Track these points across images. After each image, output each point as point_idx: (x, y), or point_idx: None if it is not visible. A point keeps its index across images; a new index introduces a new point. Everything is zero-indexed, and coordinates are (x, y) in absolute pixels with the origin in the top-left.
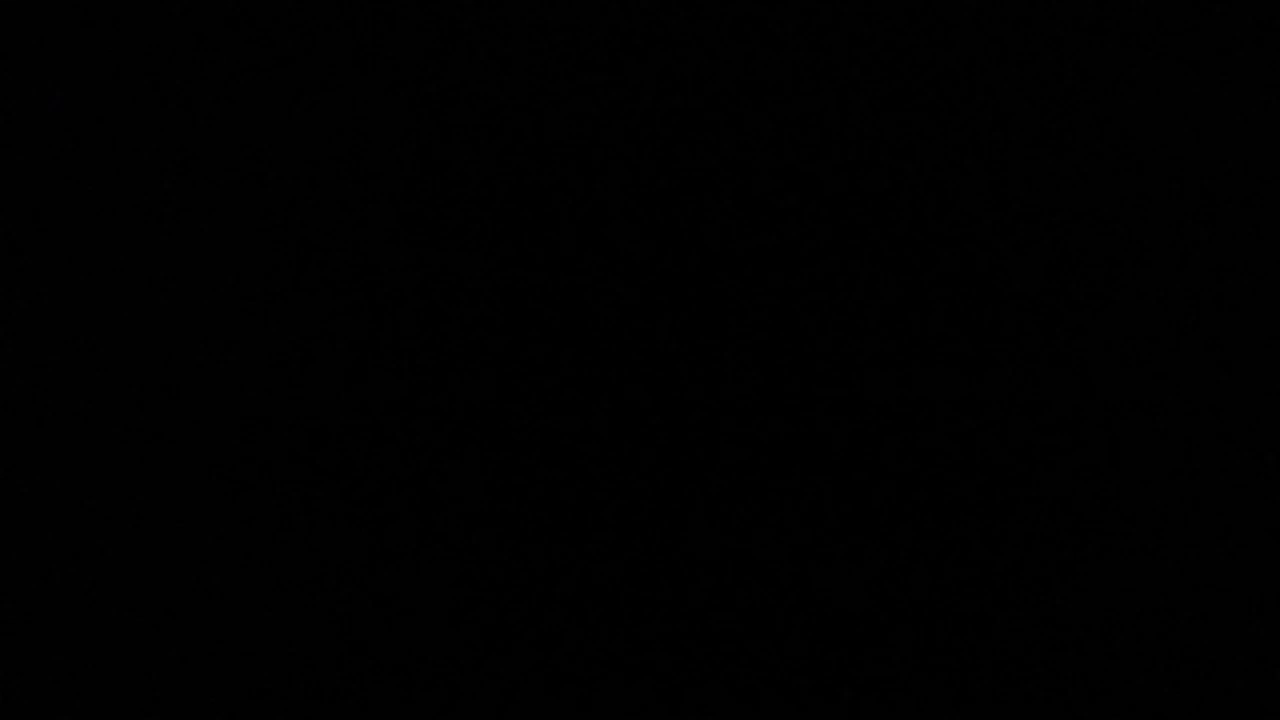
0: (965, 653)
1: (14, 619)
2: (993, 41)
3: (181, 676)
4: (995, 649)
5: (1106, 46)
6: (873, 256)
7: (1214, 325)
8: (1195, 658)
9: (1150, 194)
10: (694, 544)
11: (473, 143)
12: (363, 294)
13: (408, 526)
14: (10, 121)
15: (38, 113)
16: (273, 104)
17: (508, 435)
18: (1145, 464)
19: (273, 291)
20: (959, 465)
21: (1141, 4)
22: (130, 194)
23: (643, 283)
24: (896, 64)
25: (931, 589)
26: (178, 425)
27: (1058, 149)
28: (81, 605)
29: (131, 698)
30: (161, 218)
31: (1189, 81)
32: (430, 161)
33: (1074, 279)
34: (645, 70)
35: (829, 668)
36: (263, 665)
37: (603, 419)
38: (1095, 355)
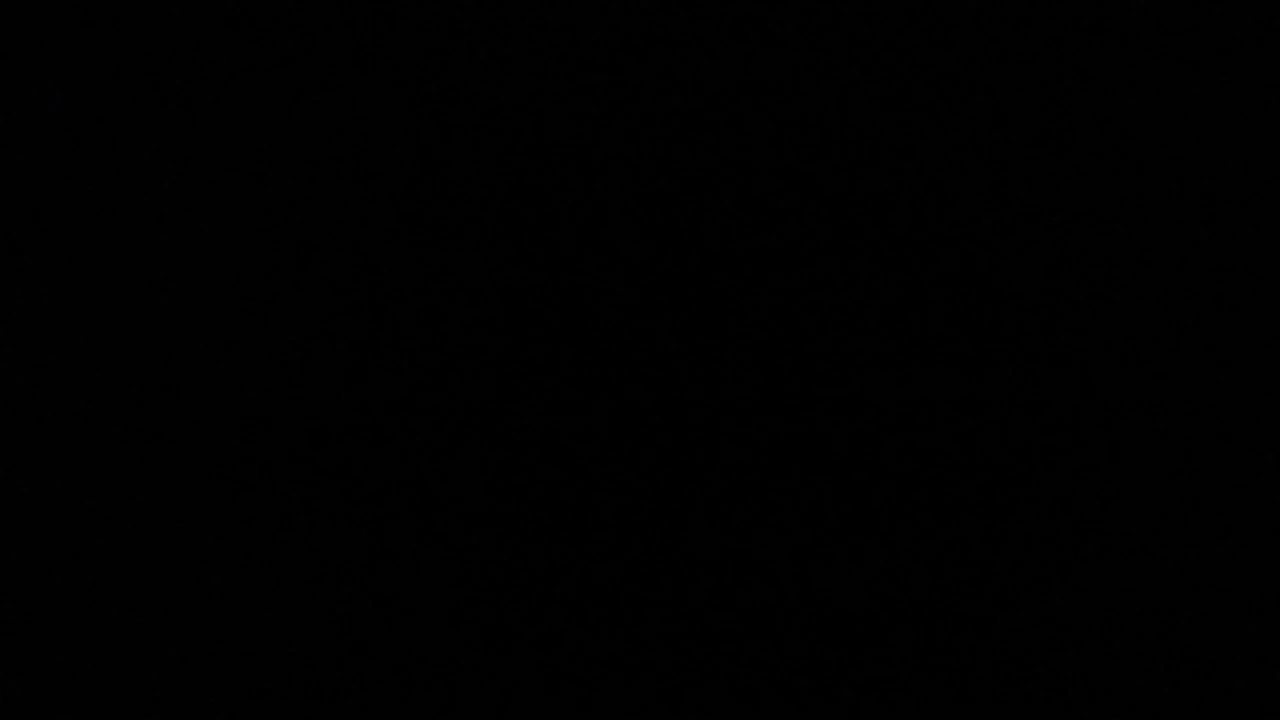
0: (965, 653)
1: (14, 619)
2: (993, 41)
3: (181, 676)
4: (995, 649)
5: (1106, 46)
6: (873, 256)
7: (1214, 325)
8: (1195, 658)
9: (1150, 194)
10: (694, 544)
11: (473, 143)
12: (363, 294)
13: (408, 526)
14: (10, 121)
15: (38, 113)
16: (273, 104)
17: (508, 435)
18: (1145, 464)
19: (273, 291)
20: (959, 465)
21: (1141, 4)
22: (130, 194)
23: (643, 283)
24: (896, 64)
25: (931, 589)
26: (178, 425)
27: (1058, 149)
28: (81, 605)
29: (131, 698)
30: (161, 218)
31: (1189, 81)
32: (430, 161)
33: (1074, 279)
34: (645, 70)
35: (829, 668)
36: (263, 665)
37: (603, 419)
38: (1095, 355)
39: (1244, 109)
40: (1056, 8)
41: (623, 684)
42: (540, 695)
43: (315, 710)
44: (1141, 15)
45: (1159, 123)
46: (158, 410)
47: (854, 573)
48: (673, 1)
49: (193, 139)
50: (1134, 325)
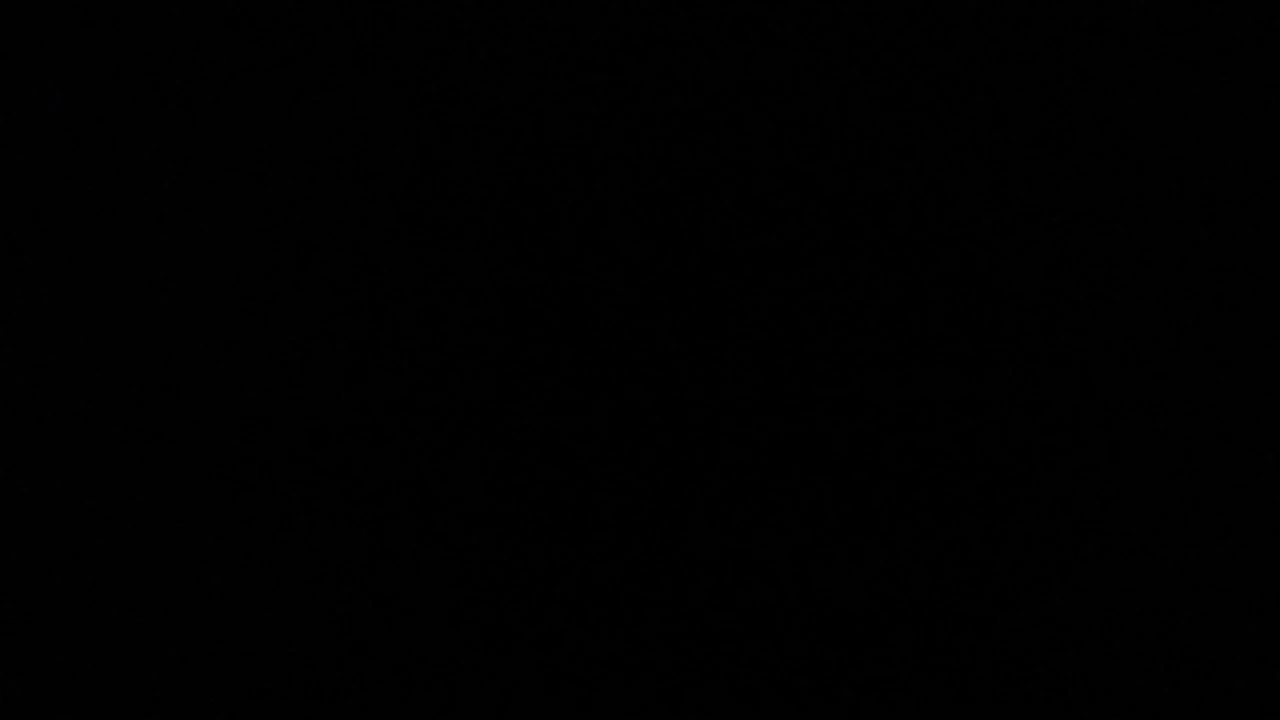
0: (965, 653)
1: (14, 619)
2: (993, 41)
3: (181, 676)
4: (995, 649)
5: (1106, 46)
6: (873, 256)
7: (1214, 325)
8: (1195, 658)
9: (1150, 194)
10: (694, 544)
11: (473, 143)
12: (363, 294)
13: (408, 526)
14: (10, 121)
15: (38, 113)
16: (273, 104)
17: (508, 435)
18: (1145, 464)
19: (273, 291)
20: (959, 465)
21: (1141, 4)
22: (130, 194)
23: (643, 283)
24: (896, 64)
25: (931, 589)
26: (178, 425)
27: (1058, 149)
28: (81, 605)
29: (131, 698)
30: (161, 218)
31: (1189, 81)
32: (430, 161)
33: (1074, 279)
34: (645, 70)
35: (829, 668)
36: (263, 665)
37: (603, 419)
38: (1095, 355)
39: (1244, 109)
40: (1056, 8)
41: (623, 684)
42: (540, 695)
43: (315, 710)
44: (1141, 15)
45: (1159, 123)
46: (158, 410)
47: (854, 573)
48: (673, 1)
49: (193, 139)
50: (1134, 325)
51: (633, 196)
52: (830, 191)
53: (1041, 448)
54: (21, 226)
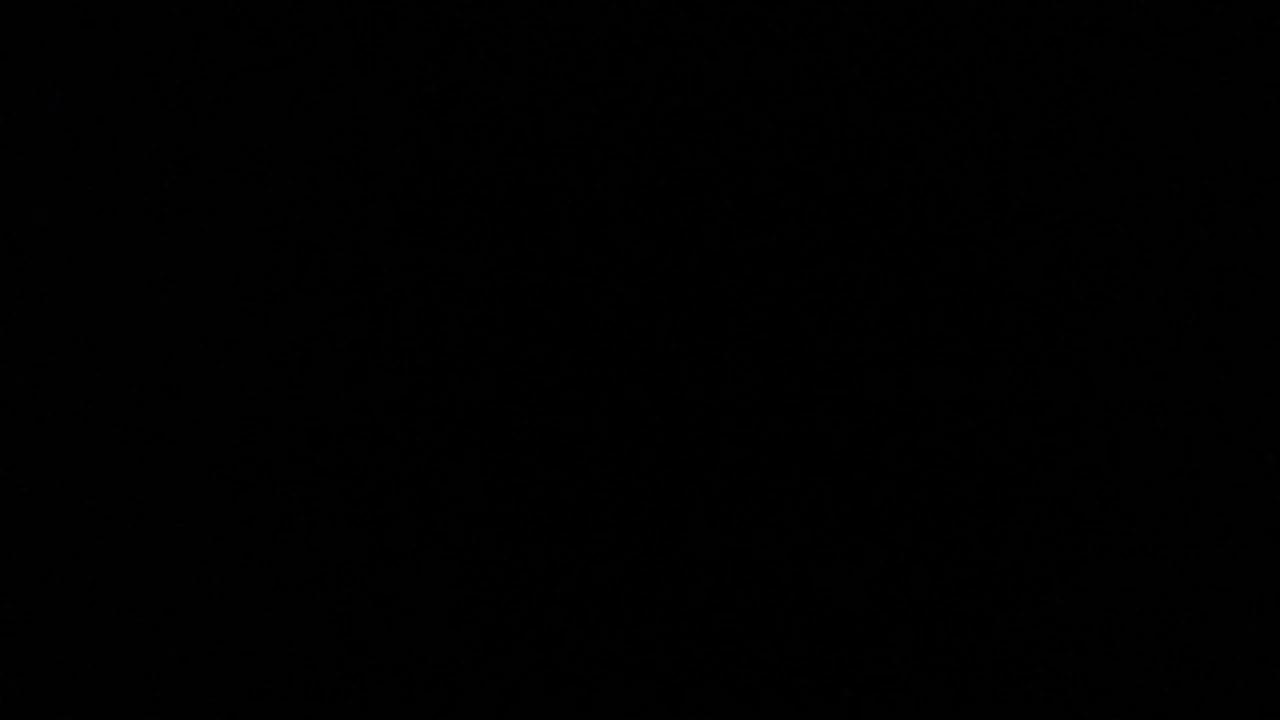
0: (965, 653)
1: (14, 619)
2: (993, 41)
3: (181, 676)
4: (995, 649)
5: (1106, 46)
6: (873, 256)
7: (1214, 325)
8: (1195, 658)
9: (1150, 194)
10: (694, 544)
11: (473, 143)
12: (363, 294)
13: (408, 526)
14: (10, 121)
15: (38, 113)
16: (273, 104)
17: (508, 435)
18: (1145, 464)
19: (273, 291)
20: (959, 465)
21: (1141, 4)
22: (130, 194)
23: (643, 283)
24: (896, 64)
25: (931, 589)
26: (178, 425)
27: (1058, 149)
28: (81, 605)
29: (131, 698)
30: (161, 218)
31: (1189, 81)
32: (430, 161)
33: (1074, 279)
34: (645, 70)
35: (829, 668)
36: (263, 665)
37: (603, 419)
38: (1095, 355)
39: (1244, 109)
40: (1056, 8)
41: (623, 684)
42: (540, 695)
43: (315, 710)
44: (1141, 15)
45: (1159, 123)
46: (158, 410)
47: (854, 573)
48: (673, 1)
49: (193, 139)
50: (1134, 325)
51: (633, 196)
52: (830, 191)
53: (1041, 448)
54: (21, 226)
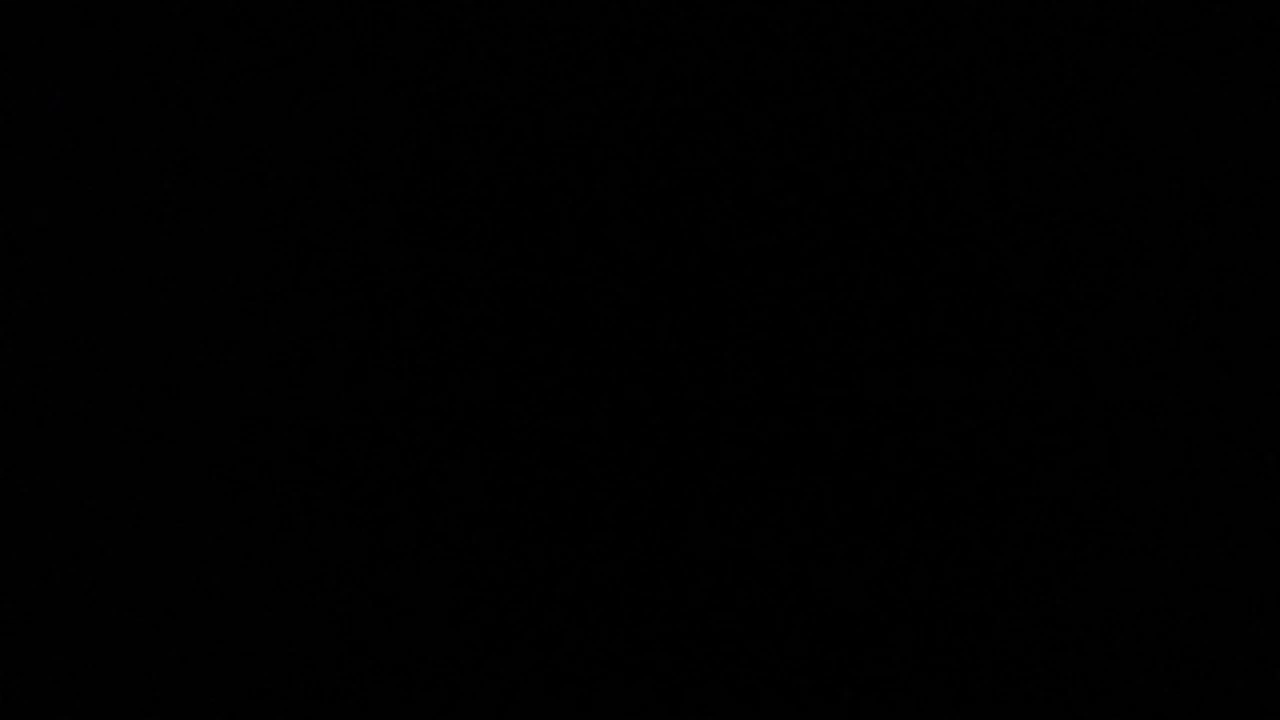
0: (965, 653)
1: (14, 619)
2: (993, 41)
3: (181, 676)
4: (995, 649)
5: (1106, 46)
6: (873, 256)
7: (1214, 325)
8: (1195, 658)
9: (1150, 194)
10: (694, 544)
11: (473, 143)
12: (363, 294)
13: (408, 526)
14: (10, 121)
15: (38, 113)
16: (273, 104)
17: (508, 435)
18: (1145, 464)
19: (273, 291)
20: (959, 465)
21: (1141, 4)
22: (130, 194)
23: (643, 283)
24: (896, 64)
25: (931, 589)
26: (178, 425)
27: (1058, 149)
28: (81, 605)
29: (132, 698)
30: (161, 218)
31: (1189, 81)
32: (430, 161)
33: (1074, 279)
34: (645, 70)
35: (829, 668)
36: (263, 665)
37: (603, 419)
38: (1095, 355)
39: (1244, 109)
40: (1056, 8)
41: (623, 684)
42: (540, 695)
43: (315, 710)
44: (1141, 15)
45: (1159, 123)
46: (158, 410)
47: (854, 573)
48: (673, 1)
49: (193, 139)
50: (1134, 325)
51: (633, 196)
52: (830, 191)
53: (1041, 448)
54: (21, 226)
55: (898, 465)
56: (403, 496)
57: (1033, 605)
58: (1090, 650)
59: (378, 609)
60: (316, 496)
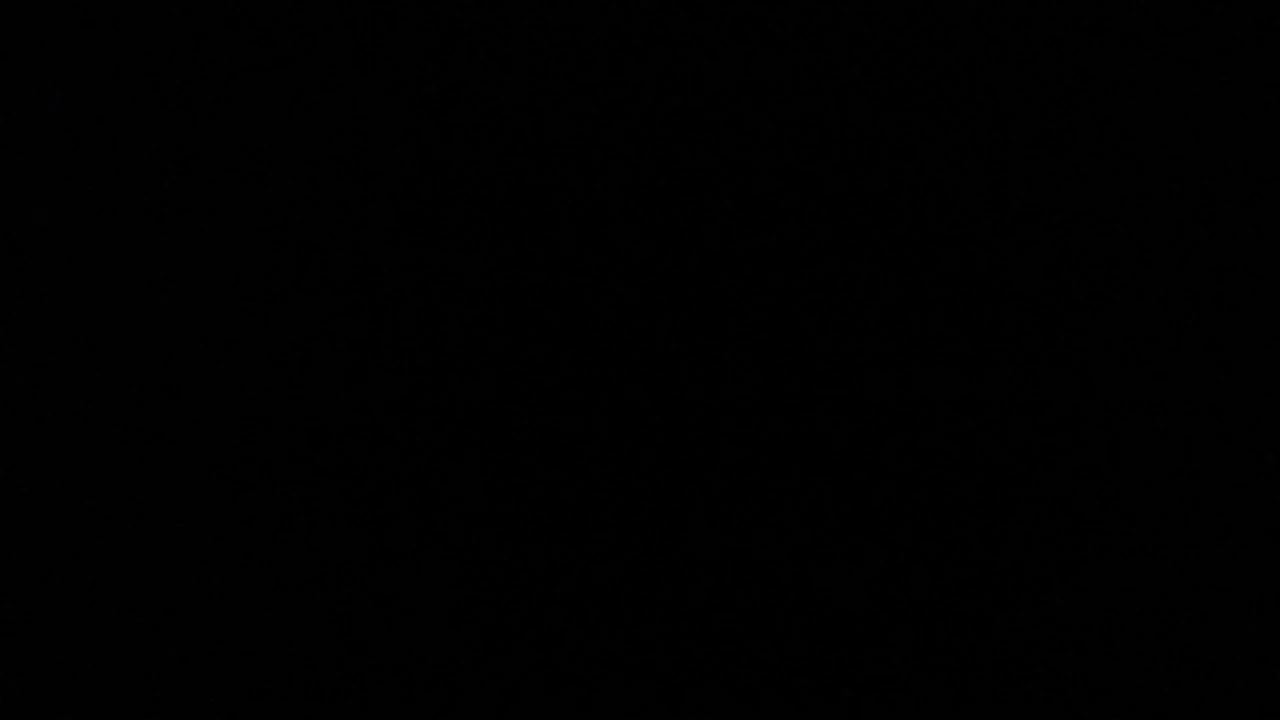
0: (965, 653)
1: (14, 619)
2: (993, 41)
3: (181, 676)
4: (995, 649)
5: (1106, 46)
6: (873, 256)
7: (1214, 325)
8: (1195, 658)
9: (1150, 194)
10: (694, 544)
11: (473, 143)
12: (363, 294)
13: (408, 526)
14: (10, 121)
15: (38, 113)
16: (273, 104)
17: (508, 435)
18: (1145, 464)
19: (273, 291)
20: (959, 465)
21: (1141, 4)
22: (130, 194)
23: (643, 283)
24: (896, 64)
25: (931, 589)
26: (178, 425)
27: (1058, 149)
28: (81, 605)
29: (132, 698)
30: (161, 218)
31: (1189, 81)
32: (430, 161)
33: (1074, 279)
34: (645, 70)
35: (829, 668)
36: (263, 665)
37: (603, 419)
38: (1095, 355)
39: (1244, 109)
40: (1056, 8)
41: (623, 684)
42: (540, 695)
43: (315, 710)
44: (1141, 15)
45: (1159, 123)
46: (158, 410)
47: (854, 573)
48: (673, 1)
49: (193, 139)
50: (1134, 325)
51: (633, 196)
52: (830, 191)
53: (1041, 448)
54: (21, 226)
55: (898, 465)
56: (403, 496)
57: (1033, 605)
58: (1090, 650)
59: (378, 609)
60: (316, 496)
